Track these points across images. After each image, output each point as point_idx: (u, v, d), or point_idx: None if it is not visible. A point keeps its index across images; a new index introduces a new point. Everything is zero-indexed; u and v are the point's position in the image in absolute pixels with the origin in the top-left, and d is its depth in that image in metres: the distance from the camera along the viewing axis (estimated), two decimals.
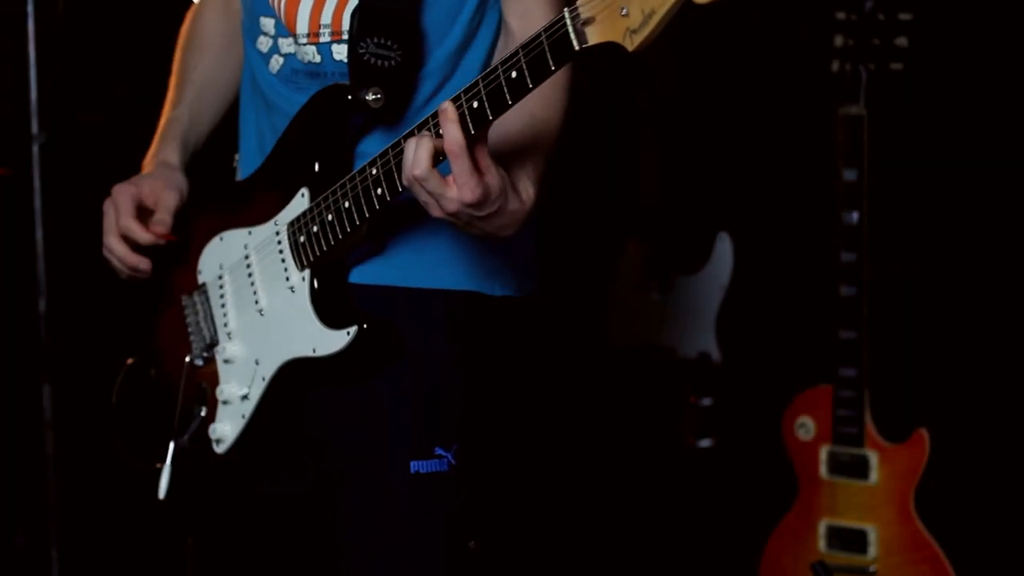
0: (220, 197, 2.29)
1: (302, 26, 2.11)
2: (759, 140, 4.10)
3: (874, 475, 3.26)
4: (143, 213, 2.24)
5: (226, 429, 2.19)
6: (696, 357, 4.01)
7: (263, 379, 2.15)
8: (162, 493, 2.24)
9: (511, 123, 1.97)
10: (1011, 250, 3.80)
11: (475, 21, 2.12)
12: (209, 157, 2.40)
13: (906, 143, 3.77)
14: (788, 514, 3.39)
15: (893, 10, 3.24)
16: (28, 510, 3.61)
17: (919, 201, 3.84)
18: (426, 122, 1.87)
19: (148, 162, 2.31)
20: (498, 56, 2.14)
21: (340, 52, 2.10)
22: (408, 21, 2.06)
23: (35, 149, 3.34)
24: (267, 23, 2.17)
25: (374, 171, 1.95)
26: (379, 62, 2.04)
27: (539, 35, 1.74)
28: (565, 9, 1.71)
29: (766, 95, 4.07)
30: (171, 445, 2.24)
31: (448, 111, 1.80)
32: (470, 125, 1.81)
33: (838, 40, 3.29)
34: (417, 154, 1.82)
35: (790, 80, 3.99)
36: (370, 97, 2.04)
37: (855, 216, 3.27)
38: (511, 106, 1.78)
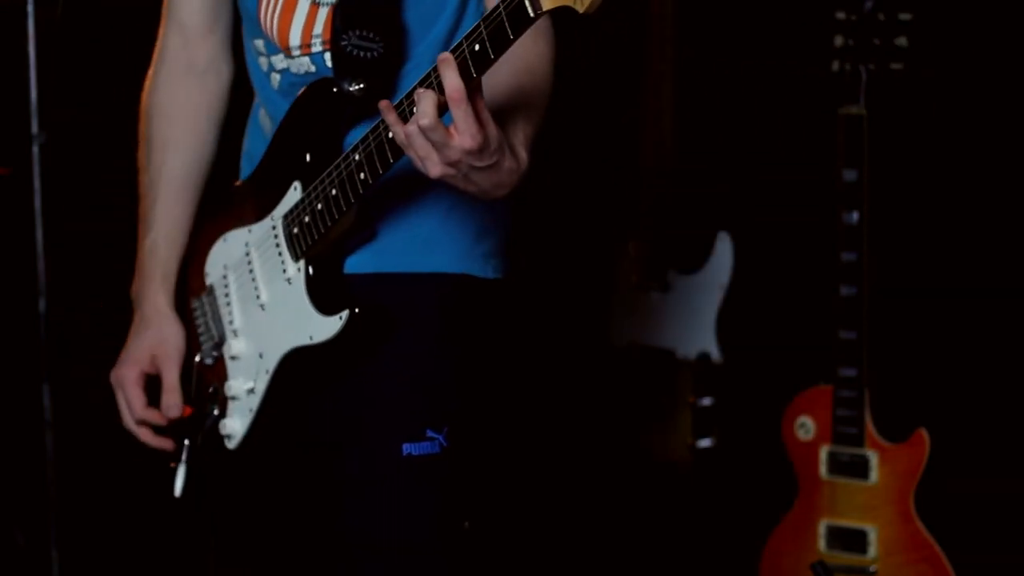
0: (222, 201, 2.33)
1: (295, 39, 2.16)
2: (759, 140, 4.09)
3: (874, 475, 3.26)
4: (151, 382, 2.32)
5: (236, 425, 2.24)
6: (696, 357, 4.01)
7: (267, 372, 2.19)
8: (177, 491, 2.29)
9: (500, 91, 2.01)
10: (1011, 249, 3.80)
11: (460, 10, 2.16)
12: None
13: (906, 143, 3.77)
14: (788, 514, 3.39)
15: (893, 10, 3.24)
16: (28, 510, 3.61)
17: (919, 201, 3.84)
18: (428, 76, 1.89)
19: (137, 298, 2.34)
20: None
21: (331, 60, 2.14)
22: (389, 14, 2.11)
23: (35, 149, 3.34)
24: (259, 44, 2.23)
25: (356, 156, 1.99)
26: (361, 54, 2.08)
27: (498, 6, 1.79)
28: None
29: (766, 95, 4.07)
30: (185, 444, 2.29)
31: (448, 59, 1.83)
32: (472, 69, 1.83)
33: (838, 40, 3.29)
34: (423, 105, 1.85)
35: (790, 80, 3.99)
36: (353, 88, 2.09)
37: (855, 216, 3.27)
38: (513, 40, 1.80)
